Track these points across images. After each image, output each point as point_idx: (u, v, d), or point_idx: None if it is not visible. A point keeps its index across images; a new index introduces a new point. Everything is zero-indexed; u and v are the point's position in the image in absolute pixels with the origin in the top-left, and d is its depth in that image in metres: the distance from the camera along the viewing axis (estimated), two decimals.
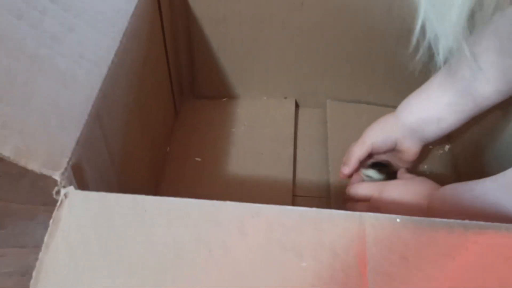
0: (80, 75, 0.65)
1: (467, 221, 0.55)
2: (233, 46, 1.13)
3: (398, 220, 0.55)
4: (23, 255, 0.87)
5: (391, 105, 1.21)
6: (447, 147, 1.15)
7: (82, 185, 0.62)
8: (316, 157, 1.13)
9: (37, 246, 0.85)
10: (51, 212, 0.56)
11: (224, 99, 1.25)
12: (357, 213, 0.56)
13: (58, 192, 0.57)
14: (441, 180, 1.07)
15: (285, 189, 1.04)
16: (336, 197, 1.03)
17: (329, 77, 1.18)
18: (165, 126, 1.13)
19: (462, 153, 1.11)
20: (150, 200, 0.56)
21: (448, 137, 1.17)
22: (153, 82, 0.98)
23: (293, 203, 1.02)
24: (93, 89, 0.65)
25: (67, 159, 0.59)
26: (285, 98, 1.24)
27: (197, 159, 1.10)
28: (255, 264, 0.52)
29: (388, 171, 0.93)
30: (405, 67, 1.16)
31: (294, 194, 1.04)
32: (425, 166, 1.10)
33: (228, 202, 0.57)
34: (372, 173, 0.93)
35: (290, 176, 1.06)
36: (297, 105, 1.24)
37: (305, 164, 1.11)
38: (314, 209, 0.56)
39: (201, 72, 1.20)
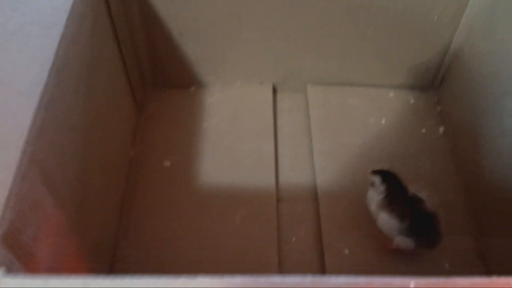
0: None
1: None
2: (198, 29, 0.98)
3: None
4: None
5: (379, 85, 1.11)
6: (441, 129, 1.05)
7: (22, 259, 0.49)
8: (300, 151, 1.01)
9: None
10: None
11: (192, 88, 1.10)
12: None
13: None
14: (439, 168, 0.99)
15: (268, 193, 0.93)
16: (324, 198, 0.92)
17: (310, 58, 1.05)
18: (126, 127, 0.99)
19: (459, 135, 1.01)
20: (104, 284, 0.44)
21: (442, 117, 1.07)
22: (105, 78, 0.83)
23: (278, 209, 0.91)
24: (26, 117, 0.52)
25: None
26: (261, 83, 1.11)
27: (166, 163, 0.97)
28: None
29: (392, 184, 0.82)
30: (397, 44, 1.06)
31: (278, 199, 0.93)
32: (419, 155, 1.00)
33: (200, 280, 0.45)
34: (376, 179, 0.83)
35: (272, 177, 0.95)
36: (274, 91, 1.11)
37: (288, 161, 1.00)
38: (309, 278, 0.45)
39: (163, 60, 1.05)
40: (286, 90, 1.12)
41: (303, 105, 1.09)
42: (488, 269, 0.85)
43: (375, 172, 0.83)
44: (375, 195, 0.83)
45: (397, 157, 0.99)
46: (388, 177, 0.82)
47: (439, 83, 1.10)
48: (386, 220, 0.82)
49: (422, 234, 0.80)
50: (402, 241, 0.81)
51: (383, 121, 1.05)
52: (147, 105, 1.07)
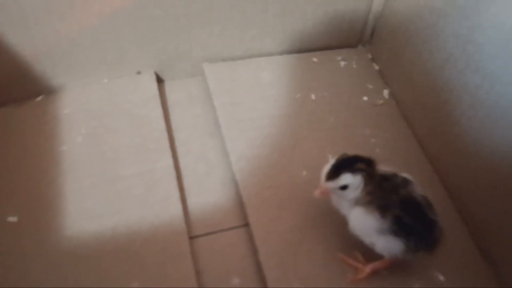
0: None
1: None
2: (20, 6, 0.65)
3: None
4: None
5: (295, 50, 0.84)
6: (386, 92, 0.80)
7: None
8: (210, 160, 0.72)
9: None
10: None
11: (40, 98, 0.76)
12: None
13: None
14: (397, 142, 0.74)
15: (175, 231, 0.62)
16: (256, 221, 0.64)
17: (199, 28, 0.76)
18: None
19: (408, 97, 0.77)
20: None
21: (382, 78, 0.83)
22: None
23: (193, 251, 0.61)
24: None
25: None
26: (139, 73, 0.79)
27: (10, 219, 0.63)
28: None
29: (360, 167, 0.54)
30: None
31: (192, 236, 0.63)
32: (367, 131, 0.75)
33: None
34: (345, 179, 0.54)
35: (178, 206, 0.64)
36: (159, 80, 0.80)
37: (196, 178, 0.70)
38: None
39: None
40: (175, 76, 0.82)
41: (202, 92, 0.80)
42: (495, 269, 0.62)
43: (334, 175, 0.54)
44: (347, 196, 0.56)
45: (342, 139, 0.73)
46: (348, 163, 0.54)
47: (369, 36, 0.86)
48: (360, 218, 0.55)
49: (417, 231, 0.54)
50: (388, 245, 0.55)
51: (313, 96, 0.78)
52: None
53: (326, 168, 0.55)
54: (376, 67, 0.84)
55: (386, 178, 0.55)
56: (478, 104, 0.62)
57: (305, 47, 0.84)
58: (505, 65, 0.57)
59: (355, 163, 0.54)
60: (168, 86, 0.81)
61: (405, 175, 0.57)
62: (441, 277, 0.60)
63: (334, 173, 0.54)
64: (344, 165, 0.55)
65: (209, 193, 0.68)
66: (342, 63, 0.84)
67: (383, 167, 0.56)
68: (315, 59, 0.83)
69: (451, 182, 0.69)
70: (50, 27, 0.68)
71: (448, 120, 0.67)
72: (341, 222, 0.60)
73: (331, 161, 0.55)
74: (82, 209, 0.63)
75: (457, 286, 0.60)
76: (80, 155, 0.69)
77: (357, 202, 0.55)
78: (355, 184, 0.54)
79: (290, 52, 0.84)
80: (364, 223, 0.55)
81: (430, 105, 0.71)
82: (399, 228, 0.54)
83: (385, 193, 0.54)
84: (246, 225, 0.64)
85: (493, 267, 0.62)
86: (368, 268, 0.60)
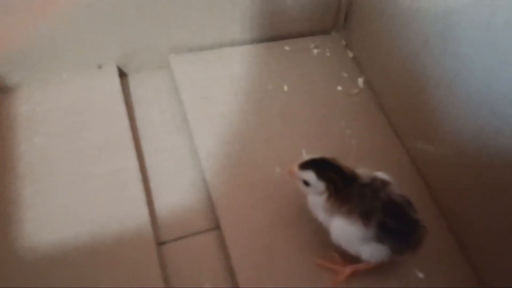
0: None
1: None
2: None
3: None
4: None
5: (266, 38, 0.80)
6: (360, 80, 0.77)
7: None
8: (178, 159, 0.68)
9: None
10: None
11: None
12: None
13: None
14: (373, 135, 0.72)
15: (142, 236, 0.58)
16: (228, 223, 0.60)
17: (166, 17, 0.71)
18: None
19: (384, 85, 0.74)
20: None
21: (357, 65, 0.79)
22: None
23: (161, 259, 0.58)
24: None
25: None
26: (100, 67, 0.74)
27: None
28: None
29: (331, 177, 0.53)
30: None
31: (160, 240, 0.60)
32: (343, 122, 0.72)
33: None
34: (309, 176, 0.53)
35: (144, 210, 0.61)
36: (122, 74, 0.76)
37: (163, 179, 0.66)
38: None
39: None
40: (139, 69, 0.77)
41: (169, 84, 0.75)
42: (475, 267, 0.60)
43: (304, 167, 0.53)
44: (317, 198, 0.54)
45: (317, 132, 0.70)
46: (324, 167, 0.53)
47: (343, 20, 0.82)
48: (343, 228, 0.53)
49: (401, 233, 0.52)
50: (374, 251, 0.53)
51: (286, 88, 0.74)
52: None
53: (306, 157, 0.54)
54: (351, 54, 0.81)
55: (365, 185, 0.53)
56: (456, 91, 0.59)
57: (277, 34, 0.80)
58: (483, 51, 0.55)
59: (330, 171, 0.53)
60: (132, 79, 0.76)
61: (382, 175, 0.55)
62: (420, 275, 0.59)
63: (305, 164, 0.53)
64: (318, 164, 0.53)
65: (178, 194, 0.64)
66: (315, 51, 0.80)
67: (361, 170, 0.54)
68: (287, 48, 0.80)
69: (429, 173, 0.67)
70: (4, 22, 0.63)
71: (425, 109, 0.65)
72: (316, 221, 0.57)
73: (316, 154, 0.54)
74: (46, 213, 0.59)
75: (436, 283, 0.58)
76: (39, 155, 0.64)
77: (333, 211, 0.53)
78: (316, 186, 0.53)
79: (261, 39, 0.80)
80: (347, 234, 0.53)
81: (407, 93, 0.68)
82: (384, 234, 0.52)
83: (366, 200, 0.52)
84: (218, 227, 0.61)
85: (472, 264, 0.60)
86: (349, 269, 0.57)
